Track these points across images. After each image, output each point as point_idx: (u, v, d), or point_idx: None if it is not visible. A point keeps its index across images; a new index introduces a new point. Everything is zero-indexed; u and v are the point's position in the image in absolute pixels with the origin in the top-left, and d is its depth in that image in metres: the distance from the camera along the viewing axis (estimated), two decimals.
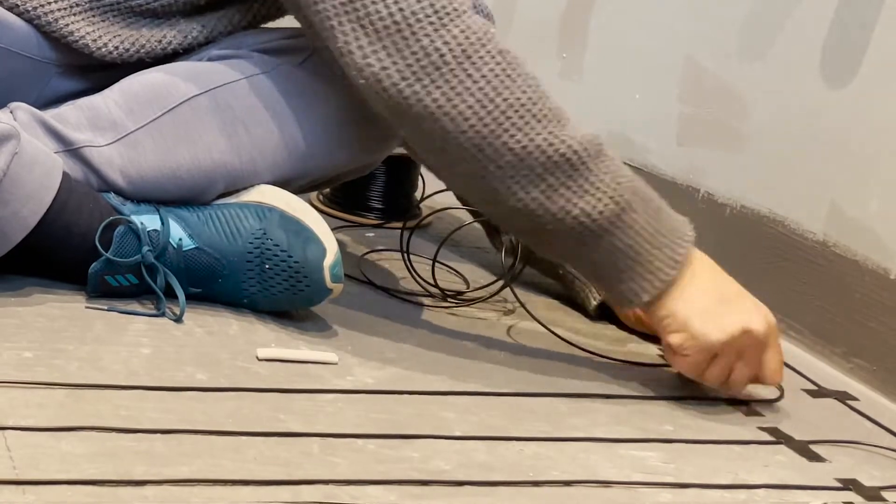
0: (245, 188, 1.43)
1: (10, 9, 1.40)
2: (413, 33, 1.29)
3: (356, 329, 1.41)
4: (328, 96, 1.43)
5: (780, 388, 1.44)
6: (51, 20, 1.40)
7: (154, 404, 1.16)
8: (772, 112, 1.72)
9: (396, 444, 1.17)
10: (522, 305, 1.50)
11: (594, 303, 1.58)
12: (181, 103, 1.40)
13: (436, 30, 1.30)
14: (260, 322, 1.38)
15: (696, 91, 1.85)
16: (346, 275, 1.42)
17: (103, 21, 1.43)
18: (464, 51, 1.30)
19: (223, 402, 1.19)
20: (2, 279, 1.33)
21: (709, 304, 1.34)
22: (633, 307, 1.38)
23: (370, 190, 1.83)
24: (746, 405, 1.40)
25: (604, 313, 1.58)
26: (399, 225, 1.66)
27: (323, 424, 1.18)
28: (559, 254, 1.42)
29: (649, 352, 1.51)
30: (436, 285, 1.57)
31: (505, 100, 1.31)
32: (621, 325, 1.57)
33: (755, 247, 1.70)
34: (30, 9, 1.40)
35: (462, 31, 1.30)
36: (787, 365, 1.52)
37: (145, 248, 1.34)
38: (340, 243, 1.40)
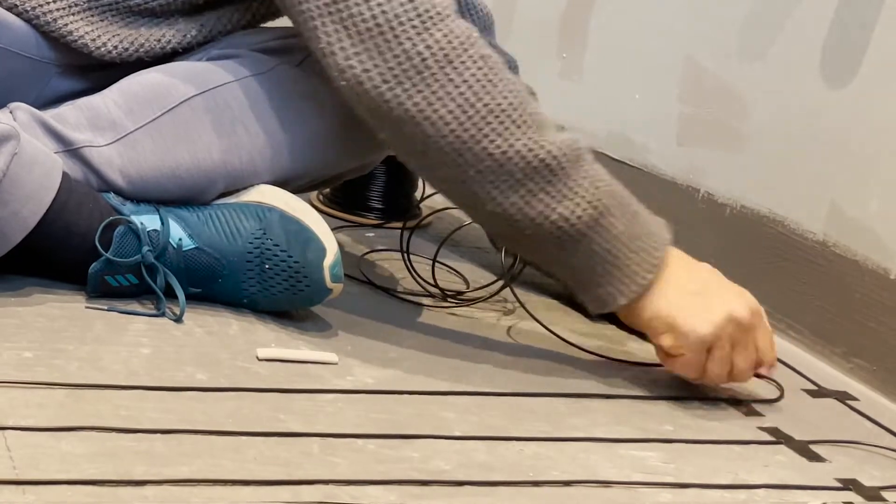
0: (245, 188, 1.43)
1: (9, 9, 1.40)
2: (395, 36, 1.29)
3: (356, 329, 1.41)
4: (328, 96, 1.43)
5: (780, 388, 1.44)
6: (50, 20, 1.40)
7: (154, 404, 1.16)
8: (772, 112, 1.72)
9: (396, 444, 1.17)
10: (522, 305, 1.50)
11: None
12: (181, 103, 1.40)
13: (418, 33, 1.29)
14: (260, 322, 1.38)
15: (696, 91, 1.84)
16: (346, 275, 1.42)
17: (102, 21, 1.42)
18: (446, 55, 1.30)
19: (223, 402, 1.19)
20: (2, 279, 1.33)
21: (690, 300, 1.34)
22: (610, 311, 1.38)
23: (370, 190, 1.83)
24: (746, 405, 1.40)
25: (604, 313, 1.58)
26: (399, 225, 1.66)
27: (323, 424, 1.18)
28: (539, 258, 1.42)
29: (649, 352, 1.50)
30: (436, 285, 1.57)
31: (486, 105, 1.30)
32: (621, 325, 1.56)
33: (755, 247, 1.70)
34: (29, 9, 1.40)
35: (445, 36, 1.30)
36: (787, 365, 1.53)
37: (145, 248, 1.34)
38: (340, 243, 1.40)
